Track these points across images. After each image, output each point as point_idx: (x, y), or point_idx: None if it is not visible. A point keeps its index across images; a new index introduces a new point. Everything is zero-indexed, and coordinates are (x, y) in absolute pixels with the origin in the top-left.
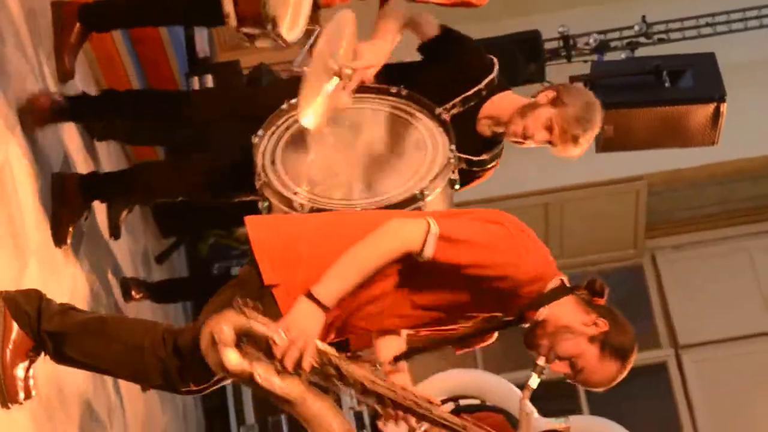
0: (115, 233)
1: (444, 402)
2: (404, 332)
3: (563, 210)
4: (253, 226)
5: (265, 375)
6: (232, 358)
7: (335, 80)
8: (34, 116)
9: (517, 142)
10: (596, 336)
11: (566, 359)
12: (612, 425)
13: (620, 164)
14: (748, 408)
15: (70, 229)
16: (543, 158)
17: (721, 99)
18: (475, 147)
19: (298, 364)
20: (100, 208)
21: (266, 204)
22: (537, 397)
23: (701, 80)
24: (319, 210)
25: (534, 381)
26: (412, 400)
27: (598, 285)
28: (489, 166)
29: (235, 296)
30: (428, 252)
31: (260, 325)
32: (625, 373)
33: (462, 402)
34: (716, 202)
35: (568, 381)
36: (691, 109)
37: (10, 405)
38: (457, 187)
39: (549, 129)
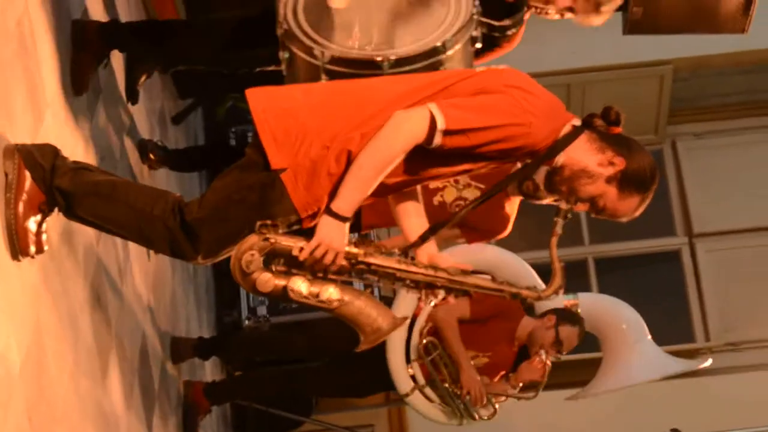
0: (132, 98)
1: None
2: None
3: (585, 91)
4: (253, 97)
5: (297, 288)
6: (263, 281)
7: None
8: None
9: (538, 11)
10: (613, 175)
11: (587, 201)
12: (618, 303)
13: (646, 48)
14: (759, 300)
15: (89, 76)
16: (567, 37)
17: None
18: (497, 12)
19: (327, 272)
20: (118, 70)
21: (287, 55)
22: (547, 275)
23: None
24: (339, 59)
25: (559, 226)
26: (444, 277)
27: (613, 114)
28: (509, 33)
29: (242, 179)
30: (436, 142)
31: (283, 243)
32: (648, 201)
33: None
34: (741, 92)
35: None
36: None
37: (21, 258)
38: (478, 45)
39: None
